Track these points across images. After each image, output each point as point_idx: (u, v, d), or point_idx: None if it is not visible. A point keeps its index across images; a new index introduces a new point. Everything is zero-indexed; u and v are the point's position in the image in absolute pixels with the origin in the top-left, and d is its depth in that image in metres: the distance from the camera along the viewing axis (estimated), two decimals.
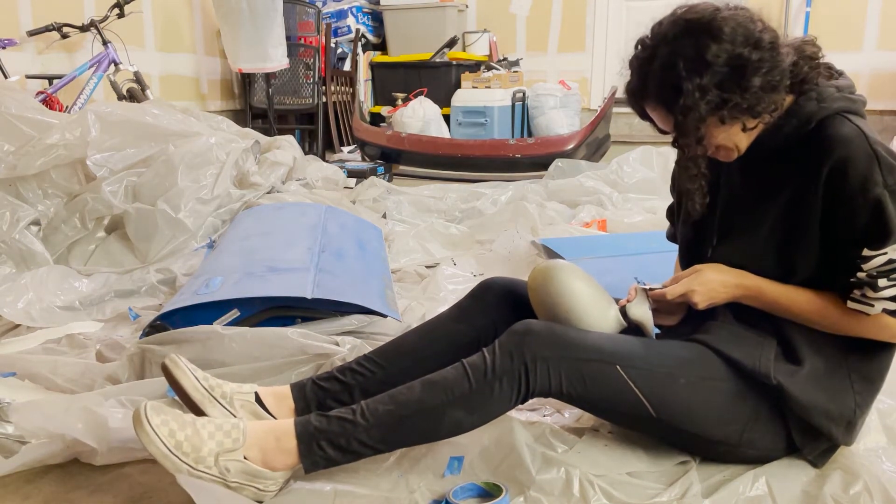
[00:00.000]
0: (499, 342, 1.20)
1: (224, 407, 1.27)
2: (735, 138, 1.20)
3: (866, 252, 1.14)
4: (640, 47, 1.22)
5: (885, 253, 1.12)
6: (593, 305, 1.30)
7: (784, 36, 1.20)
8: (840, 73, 1.27)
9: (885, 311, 1.16)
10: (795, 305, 1.22)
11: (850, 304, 1.18)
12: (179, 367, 1.28)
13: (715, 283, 1.25)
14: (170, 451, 1.12)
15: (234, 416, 1.26)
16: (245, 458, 1.15)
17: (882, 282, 1.14)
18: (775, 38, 1.16)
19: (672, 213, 1.50)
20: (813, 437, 1.24)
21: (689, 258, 1.39)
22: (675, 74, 1.15)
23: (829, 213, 1.17)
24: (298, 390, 1.34)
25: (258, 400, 1.30)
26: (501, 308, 1.39)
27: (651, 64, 1.18)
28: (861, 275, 1.15)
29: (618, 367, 1.19)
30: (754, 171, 1.25)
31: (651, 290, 1.33)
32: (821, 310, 1.21)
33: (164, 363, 1.30)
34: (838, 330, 1.21)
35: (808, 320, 1.22)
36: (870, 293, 1.15)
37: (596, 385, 1.19)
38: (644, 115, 1.26)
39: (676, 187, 1.40)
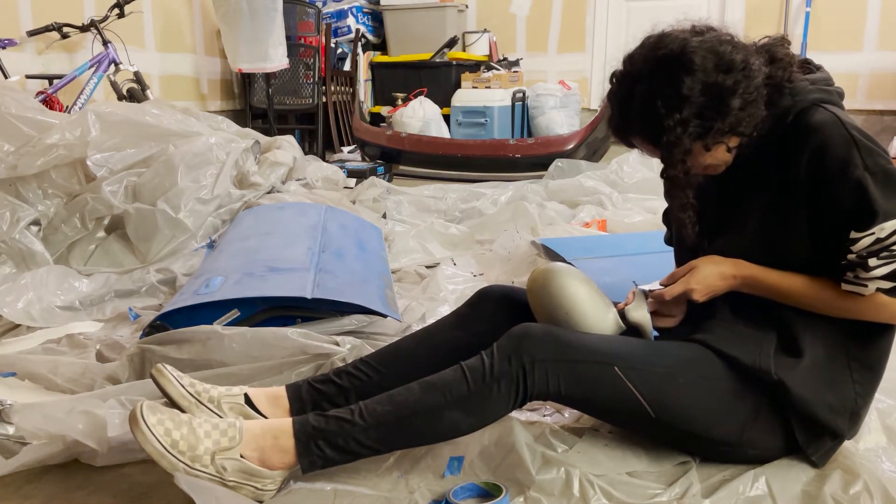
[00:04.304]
0: (497, 345, 1.20)
1: (213, 411, 1.27)
2: (722, 157, 1.23)
3: (854, 234, 1.14)
4: (615, 82, 1.24)
5: (873, 233, 1.13)
6: (592, 308, 1.30)
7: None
8: (818, 67, 1.28)
9: (879, 290, 1.16)
10: (793, 290, 1.22)
11: (844, 286, 1.19)
12: (164, 376, 1.29)
13: (712, 276, 1.26)
14: (166, 449, 1.12)
15: None
16: (242, 456, 1.15)
17: (873, 261, 1.14)
18: (747, 54, 1.18)
19: (668, 217, 1.50)
20: (817, 435, 1.24)
21: (684, 257, 1.39)
22: (654, 113, 1.17)
23: (814, 200, 1.18)
24: (294, 391, 1.34)
25: (248, 402, 1.30)
26: (499, 315, 1.39)
27: (630, 102, 1.21)
28: (851, 256, 1.16)
29: (616, 368, 1.19)
30: (739, 168, 1.26)
31: (650, 291, 1.33)
32: (818, 293, 1.21)
33: (151, 373, 1.30)
34: (837, 312, 1.21)
35: (807, 304, 1.22)
36: (862, 273, 1.16)
37: (594, 387, 1.19)
38: (632, 146, 1.28)
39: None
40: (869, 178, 1.13)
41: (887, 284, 1.16)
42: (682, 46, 1.16)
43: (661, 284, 1.34)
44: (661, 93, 1.16)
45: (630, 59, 1.22)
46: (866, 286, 1.17)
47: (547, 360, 1.17)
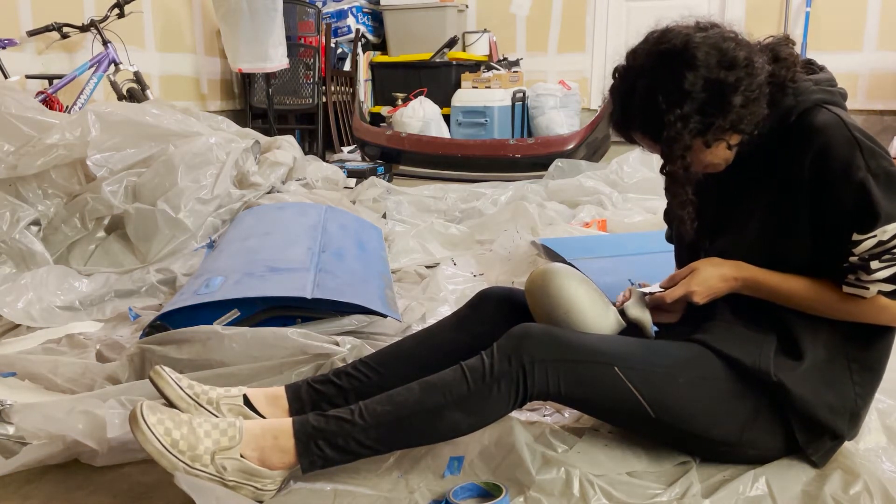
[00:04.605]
0: (497, 345, 1.20)
1: (212, 413, 1.27)
2: (723, 155, 1.22)
3: (856, 236, 1.14)
4: (617, 77, 1.24)
5: (875, 235, 1.13)
6: (592, 307, 1.30)
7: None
8: (821, 68, 1.28)
9: (880, 292, 1.16)
10: (793, 292, 1.22)
11: (845, 288, 1.19)
12: (163, 378, 1.28)
13: (713, 278, 1.26)
14: (166, 449, 1.12)
15: None
16: (242, 456, 1.15)
17: (874, 264, 1.14)
18: (750, 52, 1.17)
19: (669, 214, 1.50)
20: (817, 435, 1.24)
21: (686, 257, 1.39)
22: (656, 108, 1.16)
23: (816, 201, 1.18)
24: (293, 392, 1.34)
25: (247, 402, 1.30)
26: (499, 317, 1.39)
27: (632, 97, 1.20)
28: (853, 259, 1.16)
29: (616, 368, 1.19)
30: (742, 167, 1.26)
31: (650, 293, 1.33)
32: (818, 295, 1.21)
33: (149, 375, 1.30)
34: (837, 315, 1.21)
35: (808, 307, 1.22)
36: (864, 276, 1.16)
37: (594, 387, 1.19)
38: (633, 141, 1.28)
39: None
40: (871, 180, 1.12)
41: (888, 287, 1.16)
42: (685, 42, 1.15)
43: (661, 286, 1.34)
44: (662, 88, 1.16)
45: (633, 54, 1.22)
46: (867, 289, 1.16)
47: (547, 360, 1.17)
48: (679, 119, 1.15)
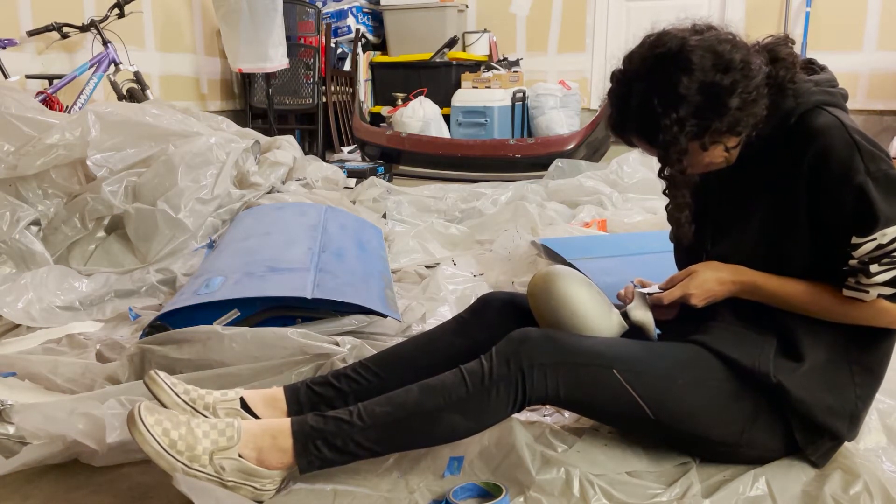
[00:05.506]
0: (496, 349, 1.20)
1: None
2: (721, 156, 1.22)
3: (855, 240, 1.14)
4: (614, 81, 1.24)
5: (874, 239, 1.13)
6: (595, 309, 1.30)
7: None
8: (822, 68, 1.28)
9: (880, 296, 1.16)
10: (792, 296, 1.22)
11: (845, 291, 1.18)
12: (157, 384, 1.27)
13: (711, 282, 1.26)
14: (164, 449, 1.12)
15: None
16: (240, 456, 1.15)
17: (874, 267, 1.14)
18: (746, 53, 1.17)
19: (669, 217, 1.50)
20: (816, 436, 1.24)
21: (685, 259, 1.39)
22: (651, 111, 1.16)
23: (815, 204, 1.18)
24: (292, 393, 1.34)
25: (244, 406, 1.30)
26: (501, 322, 1.38)
27: (628, 101, 1.20)
28: (853, 262, 1.16)
29: (615, 370, 1.19)
30: (742, 168, 1.26)
31: (649, 294, 1.34)
32: (817, 299, 1.21)
33: (144, 381, 1.29)
34: (837, 318, 1.21)
35: (807, 310, 1.22)
36: (863, 279, 1.16)
37: (593, 389, 1.19)
38: (631, 144, 1.28)
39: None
40: (871, 183, 1.12)
41: (888, 290, 1.16)
42: (681, 45, 1.15)
43: (659, 288, 1.34)
44: (658, 91, 1.16)
45: (629, 58, 1.22)
46: (867, 292, 1.16)
47: (546, 363, 1.17)
48: (675, 123, 1.15)
